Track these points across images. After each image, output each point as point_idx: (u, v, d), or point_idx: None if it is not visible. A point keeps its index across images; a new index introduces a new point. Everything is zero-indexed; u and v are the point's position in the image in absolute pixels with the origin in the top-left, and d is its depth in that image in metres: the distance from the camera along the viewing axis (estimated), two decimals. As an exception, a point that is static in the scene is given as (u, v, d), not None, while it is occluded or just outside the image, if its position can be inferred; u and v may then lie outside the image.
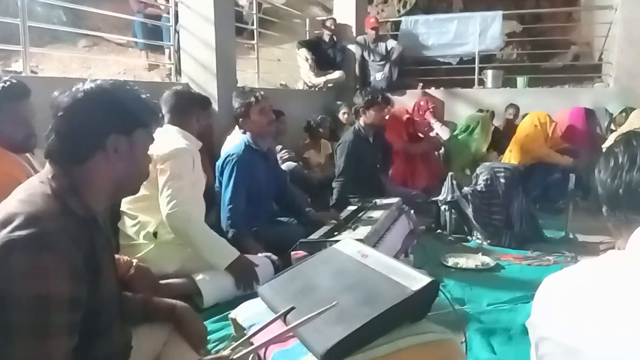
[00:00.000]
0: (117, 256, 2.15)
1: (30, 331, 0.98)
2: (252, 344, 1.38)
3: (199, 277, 2.41)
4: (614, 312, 0.80)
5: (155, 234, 2.47)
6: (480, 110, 5.86)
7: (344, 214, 3.25)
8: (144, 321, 1.49)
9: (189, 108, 2.64)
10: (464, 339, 1.78)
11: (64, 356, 1.02)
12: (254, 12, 5.86)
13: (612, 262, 0.87)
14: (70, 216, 1.09)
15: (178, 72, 4.53)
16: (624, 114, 5.61)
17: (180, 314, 1.50)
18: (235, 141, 3.39)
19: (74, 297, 1.03)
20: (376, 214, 3.10)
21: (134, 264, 2.15)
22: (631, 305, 0.78)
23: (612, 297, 0.81)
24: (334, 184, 3.91)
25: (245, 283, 2.44)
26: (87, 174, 1.16)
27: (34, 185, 1.14)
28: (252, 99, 3.05)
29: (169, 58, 5.20)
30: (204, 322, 2.11)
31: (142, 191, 2.35)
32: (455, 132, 5.24)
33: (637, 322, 0.77)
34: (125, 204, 2.51)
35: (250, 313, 1.53)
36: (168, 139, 2.51)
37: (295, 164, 4.18)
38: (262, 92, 3.16)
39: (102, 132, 1.17)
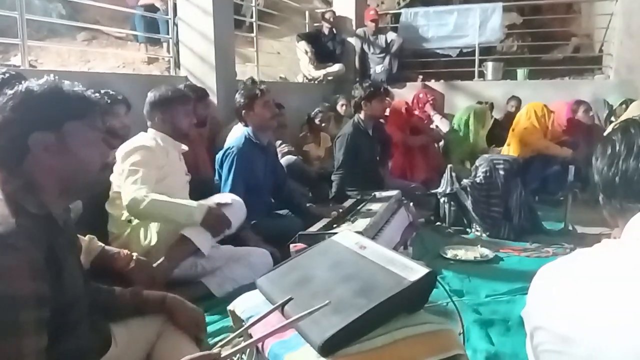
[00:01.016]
0: (116, 249, 2.16)
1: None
2: (250, 335, 1.39)
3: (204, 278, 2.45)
4: (607, 299, 0.80)
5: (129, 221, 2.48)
6: (480, 103, 5.85)
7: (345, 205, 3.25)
8: (135, 314, 1.49)
9: (163, 109, 2.58)
10: (461, 330, 1.79)
11: (36, 355, 1.03)
12: (253, 4, 5.83)
13: (605, 251, 0.87)
14: (25, 216, 1.08)
15: (177, 65, 4.52)
16: (623, 106, 5.60)
17: (171, 305, 1.51)
18: (237, 134, 3.39)
19: (39, 295, 1.04)
20: (375, 206, 3.10)
21: (134, 257, 2.15)
22: (623, 293, 0.79)
23: (605, 285, 0.81)
24: (333, 177, 3.91)
25: (221, 231, 2.45)
26: (29, 175, 1.16)
27: None
28: (257, 92, 3.06)
29: (168, 51, 5.18)
30: (205, 313, 2.14)
31: (115, 188, 2.38)
32: (452, 125, 5.24)
33: (629, 309, 0.77)
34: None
35: (248, 305, 1.53)
36: (132, 140, 2.51)
37: (294, 157, 4.18)
38: (265, 86, 3.17)
39: (21, 132, 1.15)
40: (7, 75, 2.07)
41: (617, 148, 0.96)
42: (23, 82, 1.20)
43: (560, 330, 0.84)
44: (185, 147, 2.56)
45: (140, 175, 2.32)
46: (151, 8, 5.79)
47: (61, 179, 1.20)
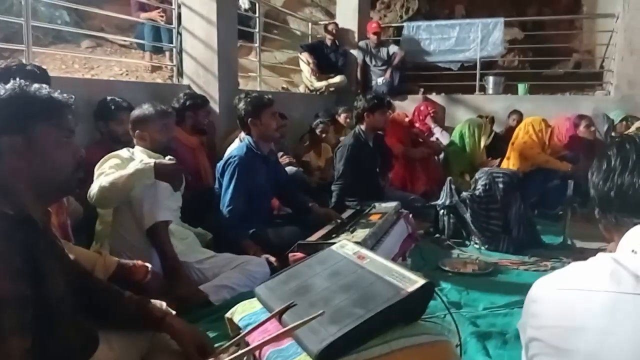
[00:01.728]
0: (131, 262, 2.16)
1: None
2: (247, 343, 1.39)
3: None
4: (599, 311, 0.81)
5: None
6: (480, 116, 5.88)
7: (344, 216, 3.26)
8: (134, 324, 1.49)
9: (140, 127, 2.63)
10: (458, 342, 1.79)
11: (21, 356, 1.03)
12: (257, 15, 5.88)
13: (598, 264, 0.88)
14: (3, 219, 1.09)
15: (180, 73, 4.55)
16: (624, 122, 5.63)
17: (169, 324, 1.50)
18: (238, 143, 3.42)
19: (20, 296, 1.04)
20: (375, 217, 3.12)
21: (149, 268, 2.15)
22: (614, 304, 0.80)
23: (596, 297, 0.82)
24: (333, 187, 3.92)
25: (179, 180, 2.42)
26: (3, 179, 1.17)
27: None
28: (265, 101, 3.09)
29: (171, 60, 5.22)
30: (201, 322, 2.14)
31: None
32: (452, 138, 5.27)
33: (620, 320, 0.78)
34: None
35: (246, 313, 1.54)
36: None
37: (295, 168, 4.19)
38: (271, 96, 3.20)
39: None
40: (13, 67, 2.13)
41: (613, 163, 0.98)
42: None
43: (554, 342, 0.85)
44: (165, 161, 2.47)
45: (102, 176, 2.34)
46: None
47: (33, 181, 1.21)
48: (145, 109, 2.65)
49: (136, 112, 2.66)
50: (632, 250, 0.90)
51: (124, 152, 2.53)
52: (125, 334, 1.49)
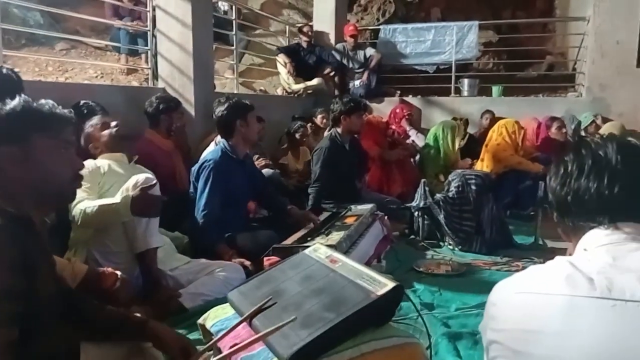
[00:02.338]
0: (100, 269, 2.15)
1: None
2: (219, 349, 1.40)
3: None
4: (554, 314, 0.83)
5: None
6: (455, 119, 5.96)
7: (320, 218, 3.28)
8: (117, 335, 1.50)
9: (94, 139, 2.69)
10: (429, 344, 1.82)
11: (6, 347, 1.04)
12: (234, 17, 5.87)
13: (555, 266, 0.91)
14: (7, 216, 1.13)
15: (155, 76, 4.52)
16: (594, 123, 5.77)
17: (154, 327, 1.51)
18: (214, 147, 3.41)
19: (14, 289, 1.07)
20: (350, 219, 3.14)
21: (119, 276, 2.14)
22: (569, 306, 0.83)
23: (551, 300, 0.85)
24: (309, 190, 3.94)
25: (154, 213, 2.37)
26: (4, 184, 1.21)
27: None
28: (250, 105, 3.14)
29: (147, 62, 5.18)
30: (173, 328, 2.14)
31: None
32: (426, 140, 5.34)
33: (575, 322, 0.81)
34: None
35: (218, 318, 1.55)
36: None
37: (272, 171, 4.20)
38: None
39: None
40: None
41: (569, 168, 1.00)
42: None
43: (513, 345, 0.87)
44: (141, 190, 2.34)
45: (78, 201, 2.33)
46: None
47: (32, 189, 1.25)
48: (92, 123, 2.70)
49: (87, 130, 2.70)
50: (584, 249, 0.94)
51: (89, 165, 2.47)
52: (101, 347, 1.49)
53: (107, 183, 2.51)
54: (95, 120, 2.74)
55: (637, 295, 0.80)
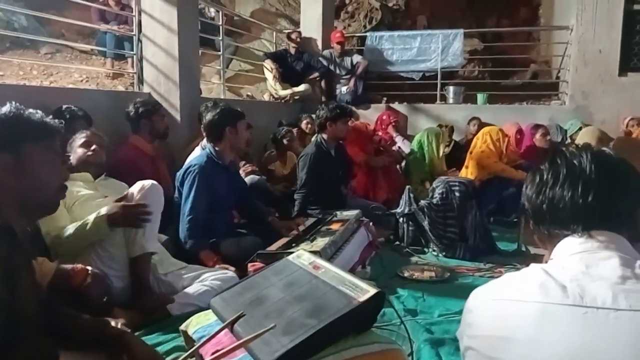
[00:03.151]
0: (70, 266, 2.13)
1: None
2: (200, 355, 1.40)
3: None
4: (527, 321, 0.85)
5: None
6: (440, 126, 6.01)
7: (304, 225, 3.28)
8: (92, 345, 1.48)
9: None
10: (411, 350, 1.84)
11: None
12: (221, 23, 5.88)
13: (529, 274, 0.93)
14: None
15: (141, 81, 4.50)
16: (579, 132, 5.84)
17: (128, 341, 1.50)
18: (199, 152, 3.40)
19: None
20: (335, 225, 3.15)
21: (89, 271, 2.12)
22: (542, 314, 0.84)
23: (525, 307, 0.87)
24: (295, 196, 3.95)
25: (138, 222, 2.34)
26: None
27: None
28: (240, 112, 3.15)
29: (132, 67, 5.16)
30: (157, 334, 2.13)
31: None
32: (411, 147, 5.37)
33: (547, 329, 0.83)
34: None
35: (200, 325, 1.55)
36: None
37: (258, 177, 4.19)
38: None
39: None
40: None
41: (545, 177, 1.02)
42: None
43: (487, 351, 0.89)
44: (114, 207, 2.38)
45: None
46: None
47: (19, 197, 1.25)
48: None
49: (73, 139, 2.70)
50: (558, 257, 0.95)
51: None
52: (79, 353, 1.48)
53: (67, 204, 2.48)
54: (83, 135, 2.71)
55: (608, 302, 0.82)
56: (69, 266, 2.11)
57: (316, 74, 6.84)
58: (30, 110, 1.33)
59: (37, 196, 1.31)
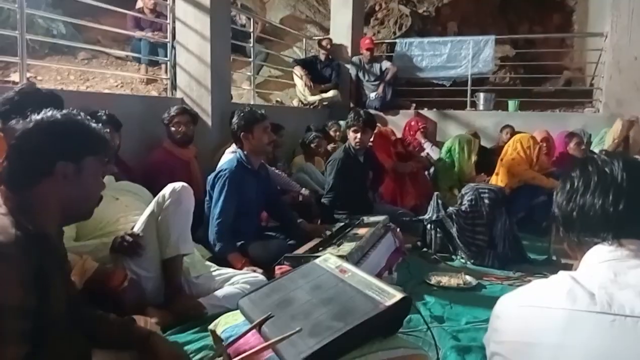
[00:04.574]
0: (110, 267, 2.19)
1: None
2: (228, 355, 1.43)
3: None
4: (554, 327, 0.85)
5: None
6: (473, 134, 5.95)
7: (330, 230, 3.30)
8: (120, 346, 1.52)
9: None
10: (437, 356, 1.83)
11: None
12: (252, 30, 5.97)
13: (558, 281, 0.93)
14: (22, 231, 1.15)
15: (174, 87, 4.60)
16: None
17: (155, 342, 1.53)
18: (229, 157, 3.46)
19: (25, 306, 1.09)
20: (362, 231, 3.15)
21: (128, 276, 2.18)
22: (568, 321, 0.84)
23: (552, 314, 0.86)
24: (323, 200, 3.97)
25: (131, 252, 2.33)
26: (36, 197, 1.25)
27: None
28: (258, 116, 3.14)
29: (166, 73, 5.28)
30: (187, 332, 2.17)
31: None
32: (441, 153, 5.34)
33: (573, 337, 0.82)
34: None
35: (228, 325, 1.57)
36: None
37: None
38: (264, 111, 3.25)
39: (50, 159, 1.26)
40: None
41: (576, 184, 1.01)
42: (44, 112, 1.30)
43: (513, 357, 0.89)
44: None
45: None
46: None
47: (65, 206, 1.30)
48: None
49: None
50: (587, 264, 0.95)
51: None
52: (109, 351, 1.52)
53: None
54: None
55: (636, 311, 0.81)
56: (109, 267, 2.17)
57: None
58: (88, 117, 1.38)
59: (82, 206, 1.36)
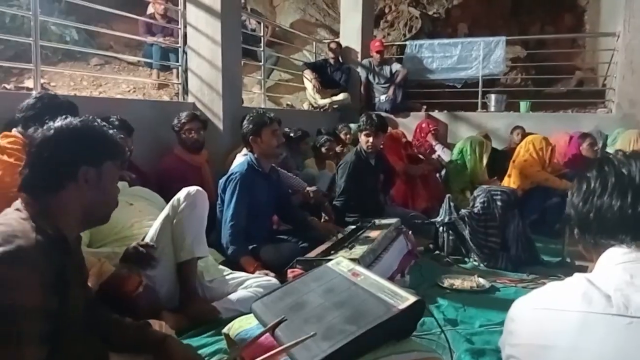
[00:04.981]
0: (126, 271, 2.20)
1: (2, 339, 1.05)
2: (242, 358, 1.44)
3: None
4: (569, 330, 0.84)
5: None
6: (485, 137, 5.92)
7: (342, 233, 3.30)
8: (135, 349, 1.54)
9: None
10: (451, 359, 1.82)
11: None
12: (262, 34, 5.99)
13: (573, 284, 0.92)
14: (42, 235, 1.18)
15: (185, 91, 4.63)
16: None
17: (170, 346, 1.54)
18: (240, 160, 3.47)
19: (45, 308, 1.11)
20: (374, 233, 3.15)
21: (143, 282, 2.19)
22: (584, 324, 0.83)
23: (567, 316, 0.86)
24: (334, 203, 3.97)
25: (144, 263, 2.31)
26: (58, 202, 1.27)
27: (10, 212, 1.25)
28: (266, 120, 3.15)
29: (177, 78, 5.31)
30: (202, 336, 2.18)
31: None
32: (452, 155, 5.32)
33: (588, 340, 0.82)
34: None
35: (242, 328, 1.58)
36: None
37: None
38: (274, 114, 3.26)
39: (73, 164, 1.29)
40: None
41: (592, 185, 1.00)
42: (61, 119, 1.34)
43: (528, 359, 0.88)
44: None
45: None
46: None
47: (86, 210, 1.33)
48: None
49: None
50: (602, 266, 0.93)
51: None
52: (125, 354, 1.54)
53: None
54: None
55: None
56: (125, 272, 2.18)
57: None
58: (103, 123, 1.41)
59: (102, 210, 1.39)
